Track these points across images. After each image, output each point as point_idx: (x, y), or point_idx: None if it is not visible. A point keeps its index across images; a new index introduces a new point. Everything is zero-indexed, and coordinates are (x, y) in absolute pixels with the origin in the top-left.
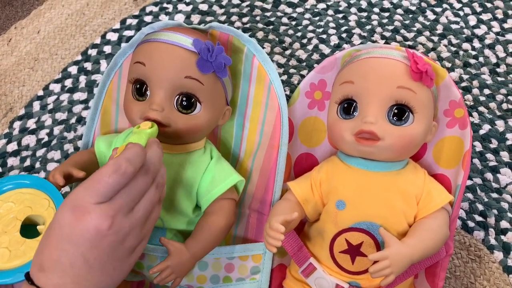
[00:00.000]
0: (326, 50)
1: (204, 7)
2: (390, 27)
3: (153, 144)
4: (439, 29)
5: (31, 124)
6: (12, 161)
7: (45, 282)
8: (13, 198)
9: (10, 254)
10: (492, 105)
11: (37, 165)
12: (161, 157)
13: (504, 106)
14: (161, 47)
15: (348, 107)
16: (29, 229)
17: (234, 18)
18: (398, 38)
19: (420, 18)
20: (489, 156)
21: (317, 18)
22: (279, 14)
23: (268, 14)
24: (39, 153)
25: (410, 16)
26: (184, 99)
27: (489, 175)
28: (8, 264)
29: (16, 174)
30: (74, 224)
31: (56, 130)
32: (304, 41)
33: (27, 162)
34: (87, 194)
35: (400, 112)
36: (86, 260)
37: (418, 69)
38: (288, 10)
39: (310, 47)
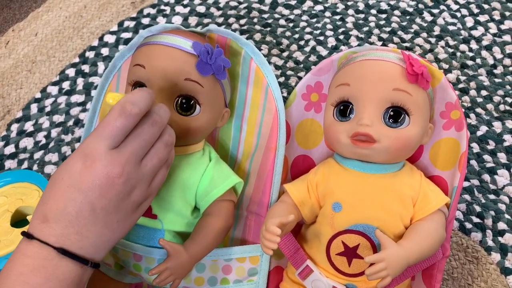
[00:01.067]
0: (323, 52)
1: (201, 9)
2: (387, 29)
3: (160, 103)
4: (436, 30)
5: (28, 126)
6: (9, 164)
7: (47, 234)
8: (6, 193)
9: (0, 244)
10: (489, 106)
11: (35, 167)
12: (168, 113)
13: (501, 107)
14: (161, 50)
15: (344, 109)
16: (21, 222)
17: (231, 20)
18: (396, 39)
19: (417, 20)
20: (486, 157)
21: (314, 20)
22: (276, 16)
23: (265, 16)
24: (37, 155)
25: (407, 17)
26: (184, 101)
27: (486, 177)
28: None
29: (9, 171)
30: (84, 172)
31: (54, 132)
32: (302, 43)
33: (25, 165)
34: (96, 141)
35: (396, 114)
36: (93, 209)
37: (413, 71)
38: (286, 12)
39: (307, 49)
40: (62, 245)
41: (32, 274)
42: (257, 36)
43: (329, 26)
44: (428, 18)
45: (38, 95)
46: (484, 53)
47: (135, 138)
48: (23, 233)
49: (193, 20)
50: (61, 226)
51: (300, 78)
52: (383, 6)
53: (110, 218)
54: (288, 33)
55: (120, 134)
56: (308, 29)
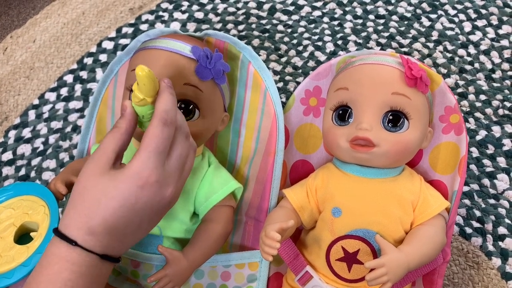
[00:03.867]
0: (321, 57)
1: (199, 15)
2: (386, 34)
3: (164, 91)
4: (435, 35)
5: (26, 133)
6: (7, 170)
7: (93, 244)
8: (14, 205)
9: (1, 260)
10: (488, 110)
11: (32, 174)
12: (175, 103)
13: (500, 111)
14: (160, 54)
15: (343, 113)
16: (23, 238)
17: (230, 26)
18: (394, 44)
19: (416, 25)
20: (486, 162)
21: (312, 26)
22: (274, 21)
23: (263, 21)
24: (34, 162)
25: (405, 22)
26: (183, 106)
27: (486, 181)
28: None
29: (18, 182)
30: (140, 194)
31: (52, 139)
32: (300, 48)
33: (22, 171)
34: (150, 159)
35: (395, 119)
36: (141, 222)
37: (412, 75)
38: (284, 17)
39: (305, 54)
40: (105, 252)
41: (80, 279)
42: (255, 42)
43: (327, 32)
44: (426, 23)
45: (36, 102)
46: (482, 57)
47: (175, 150)
48: (64, 238)
49: (191, 26)
50: (107, 239)
51: (298, 83)
52: (381, 11)
53: (151, 224)
54: (286, 39)
55: (168, 146)
56: (306, 35)
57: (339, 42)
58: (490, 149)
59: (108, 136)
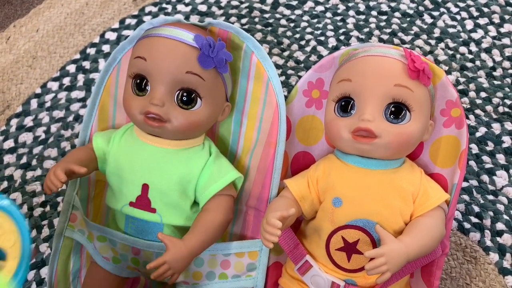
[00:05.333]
0: (324, 52)
1: (203, 8)
2: (388, 30)
3: None
4: (436, 32)
5: (28, 121)
6: (8, 158)
7: None
8: None
9: None
10: (489, 108)
11: (34, 162)
12: None
13: (500, 109)
14: (163, 42)
15: (345, 105)
16: None
17: (233, 19)
18: (396, 41)
19: (418, 22)
20: (485, 158)
21: (315, 20)
22: (277, 16)
23: (266, 15)
24: (36, 150)
25: (408, 19)
26: (185, 94)
27: (485, 177)
28: None
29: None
30: None
31: (53, 127)
32: (302, 42)
33: (24, 159)
34: None
35: (397, 110)
36: None
37: (415, 67)
38: (287, 12)
39: (308, 49)
40: None
41: None
42: (258, 36)
43: (330, 27)
44: (428, 20)
45: (38, 91)
46: (483, 55)
47: None
48: None
49: (194, 19)
50: None
51: (300, 77)
52: (384, 7)
53: None
54: (289, 33)
55: None
56: (309, 29)
57: (342, 37)
58: (490, 146)
59: None
